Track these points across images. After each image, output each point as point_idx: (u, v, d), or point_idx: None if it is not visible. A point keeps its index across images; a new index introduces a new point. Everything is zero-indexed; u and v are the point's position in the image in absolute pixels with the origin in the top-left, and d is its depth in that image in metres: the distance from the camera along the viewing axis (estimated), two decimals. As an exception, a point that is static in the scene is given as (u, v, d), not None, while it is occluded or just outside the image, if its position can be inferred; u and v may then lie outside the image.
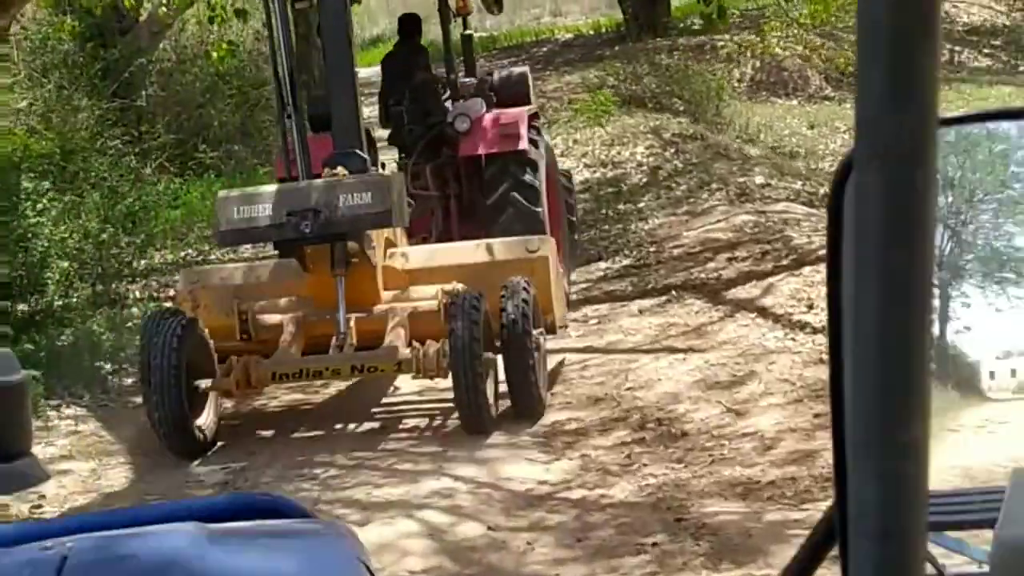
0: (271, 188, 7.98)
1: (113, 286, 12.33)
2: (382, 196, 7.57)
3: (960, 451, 1.38)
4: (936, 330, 1.36)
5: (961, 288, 1.41)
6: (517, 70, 10.98)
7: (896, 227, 0.75)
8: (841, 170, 1.19)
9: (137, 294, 12.51)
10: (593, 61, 27.87)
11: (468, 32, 11.40)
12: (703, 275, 10.70)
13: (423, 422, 8.35)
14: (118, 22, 19.14)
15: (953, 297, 1.40)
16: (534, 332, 7.83)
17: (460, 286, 7.88)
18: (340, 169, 7.78)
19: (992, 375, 1.41)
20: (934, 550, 1.32)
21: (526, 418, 8.03)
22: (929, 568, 1.29)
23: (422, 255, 8.58)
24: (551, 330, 8.56)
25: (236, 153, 19.70)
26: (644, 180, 15.13)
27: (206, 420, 7.97)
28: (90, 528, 1.52)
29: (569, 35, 33.61)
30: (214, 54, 17.57)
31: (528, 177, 9.48)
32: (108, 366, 10.09)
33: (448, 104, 10.07)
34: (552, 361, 9.00)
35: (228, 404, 8.59)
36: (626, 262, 11.69)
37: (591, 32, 33.52)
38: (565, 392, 8.59)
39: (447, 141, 9.80)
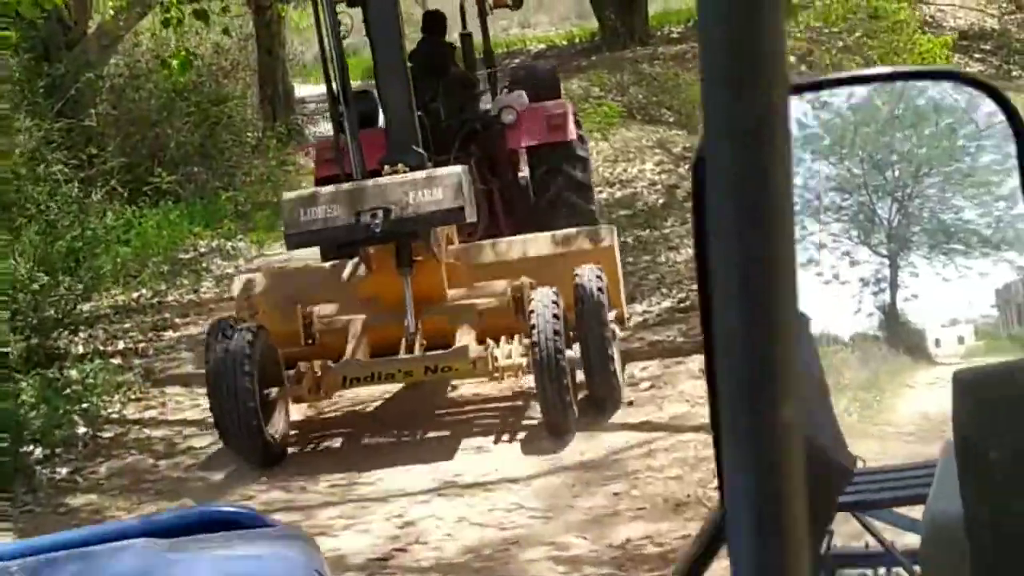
0: (338, 187, 7.43)
1: (52, 338, 10.06)
2: (454, 191, 7.16)
3: (917, 403, 1.36)
4: (887, 298, 1.38)
5: (909, 259, 1.40)
6: (544, 64, 10.86)
7: (751, 206, 0.69)
8: (699, 152, 1.12)
9: (81, 348, 10.22)
10: (571, 72, 25.92)
11: (467, 32, 10.90)
12: (772, 323, 8.45)
13: (433, 553, 6.07)
14: (64, 34, 16.86)
15: (901, 267, 1.39)
16: (609, 321, 7.37)
17: (528, 281, 7.46)
18: (400, 166, 7.41)
19: (938, 342, 1.40)
20: (882, 527, 1.34)
21: (608, 407, 7.41)
22: (876, 544, 1.32)
23: (484, 250, 8.13)
24: (618, 322, 7.97)
25: (196, 176, 17.31)
26: (661, 201, 12.92)
27: (278, 428, 7.43)
28: (52, 548, 1.49)
29: (541, 46, 31.46)
30: (173, 63, 15.17)
31: (579, 173, 9.32)
32: (38, 451, 7.82)
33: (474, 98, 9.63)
34: (601, 446, 6.93)
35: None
36: (666, 303, 9.43)
37: (564, 42, 31.39)
38: (632, 492, 6.28)
39: (481, 135, 9.37)
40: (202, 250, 14.17)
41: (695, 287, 7.59)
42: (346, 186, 7.41)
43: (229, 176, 17.72)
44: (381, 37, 7.60)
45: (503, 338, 7.32)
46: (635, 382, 7.90)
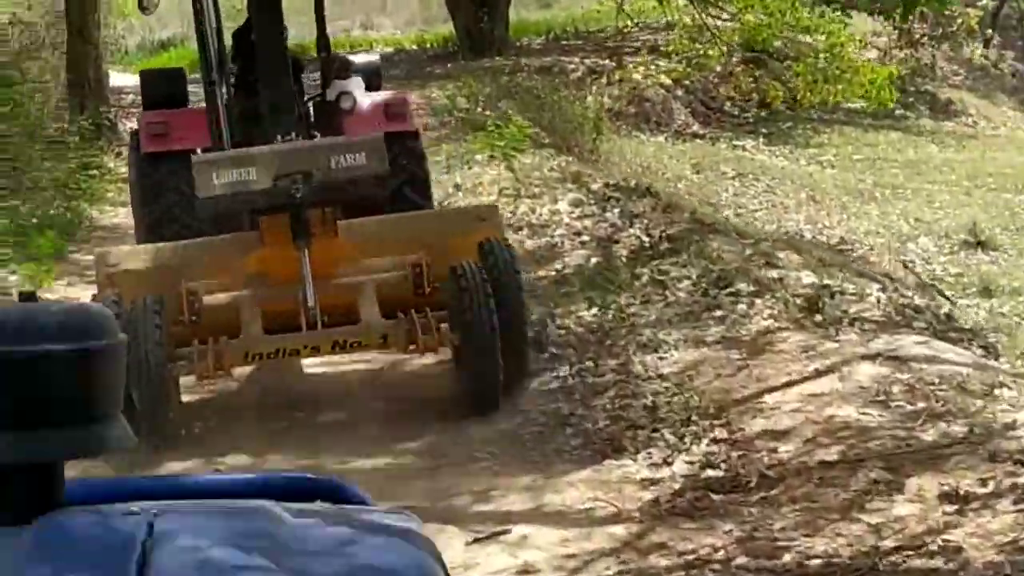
0: (254, 150, 6.70)
1: None
2: (379, 157, 6.61)
3: None
4: None
5: None
6: (370, 56, 9.90)
7: None
8: None
9: None
10: (426, 79, 21.98)
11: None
12: (924, 544, 4.36)
13: None
14: None
15: None
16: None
17: (426, 256, 6.78)
18: (292, 134, 6.83)
19: None
20: None
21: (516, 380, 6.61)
22: None
23: (369, 226, 7.17)
24: None
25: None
26: (596, 262, 8.91)
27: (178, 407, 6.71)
28: (163, 492, 1.42)
29: (389, 49, 27.20)
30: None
31: (416, 152, 8.55)
32: None
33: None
34: None
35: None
36: (683, 467, 5.30)
37: (414, 47, 27.20)
38: None
39: (314, 120, 8.08)
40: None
41: (725, 434, 3.48)
42: (264, 148, 6.75)
43: (14, 180, 13.13)
44: (262, 9, 7.11)
45: (412, 311, 6.62)
46: None
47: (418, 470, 5.91)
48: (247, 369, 7.22)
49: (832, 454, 5.11)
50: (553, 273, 8.74)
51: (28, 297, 1.41)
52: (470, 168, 12.12)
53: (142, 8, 8.61)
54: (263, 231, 6.82)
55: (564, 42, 25.93)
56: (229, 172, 6.54)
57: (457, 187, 11.46)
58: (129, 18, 34.23)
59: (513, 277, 6.65)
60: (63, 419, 1.35)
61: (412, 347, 6.56)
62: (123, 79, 23.15)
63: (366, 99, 8.30)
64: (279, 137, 6.74)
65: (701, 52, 16.01)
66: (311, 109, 8.23)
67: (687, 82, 22.75)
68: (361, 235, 7.09)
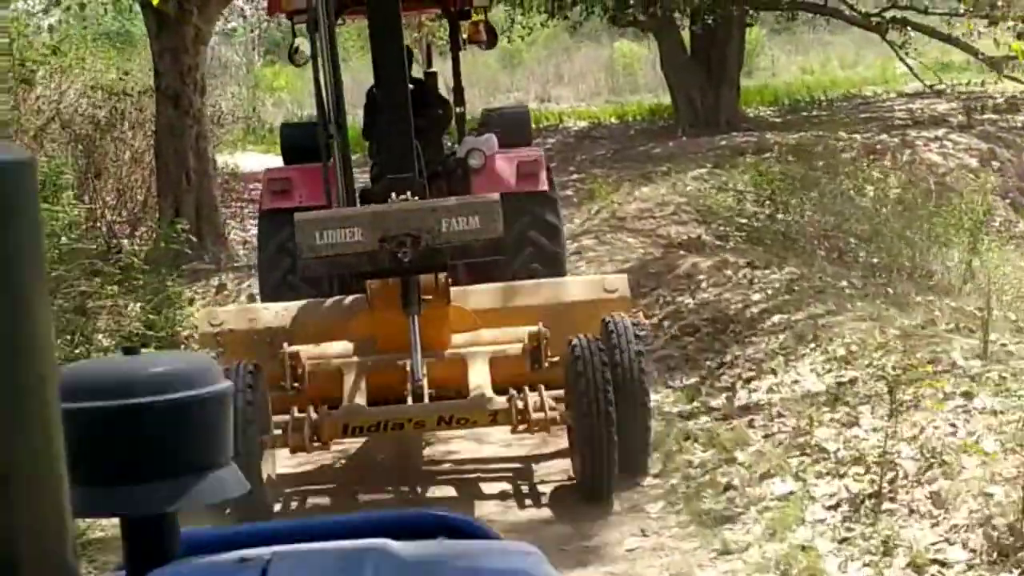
0: (360, 210, 5.97)
1: None
2: (492, 220, 5.74)
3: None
4: None
5: None
6: (517, 109, 8.65)
7: None
8: None
9: None
10: (644, 162, 15.43)
11: (432, 71, 8.45)
12: None
13: None
14: None
15: None
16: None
17: (545, 329, 5.99)
18: (408, 194, 5.99)
19: None
20: None
21: (631, 476, 5.83)
22: None
23: (489, 295, 6.51)
24: None
25: None
26: None
27: (271, 479, 5.88)
28: (280, 537, 1.30)
29: (582, 122, 20.62)
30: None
31: (549, 216, 7.41)
32: None
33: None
34: None
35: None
36: None
37: (612, 120, 20.54)
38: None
39: (442, 178, 7.29)
40: None
41: None
42: (369, 208, 5.95)
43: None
44: (383, 58, 6.19)
45: (525, 388, 5.81)
46: None
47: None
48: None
49: None
50: None
51: (131, 351, 1.29)
52: (916, 392, 5.30)
53: (293, 61, 7.64)
54: (371, 295, 6.16)
55: (804, 113, 19.04)
56: (333, 232, 5.75)
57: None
58: (278, 93, 28.32)
59: (636, 359, 5.75)
60: (170, 470, 1.26)
61: (523, 427, 5.72)
62: (254, 161, 16.65)
63: (498, 156, 7.35)
64: (393, 196, 5.87)
65: None
66: (439, 168, 7.32)
67: (995, 163, 15.86)
68: (476, 303, 6.39)
